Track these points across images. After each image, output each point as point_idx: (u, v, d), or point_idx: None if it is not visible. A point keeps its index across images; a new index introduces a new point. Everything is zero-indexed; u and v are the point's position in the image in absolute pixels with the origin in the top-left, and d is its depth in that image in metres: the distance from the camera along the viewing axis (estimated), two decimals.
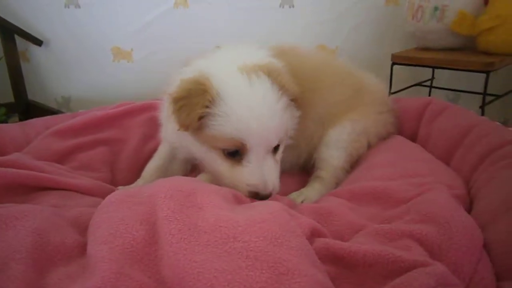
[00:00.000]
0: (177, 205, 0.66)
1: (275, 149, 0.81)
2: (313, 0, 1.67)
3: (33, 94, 1.71)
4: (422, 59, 1.37)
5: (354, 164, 0.99)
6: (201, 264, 0.55)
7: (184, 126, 0.78)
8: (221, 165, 0.80)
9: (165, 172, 1.01)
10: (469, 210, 0.76)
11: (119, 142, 1.20)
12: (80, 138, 1.18)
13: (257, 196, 0.77)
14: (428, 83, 1.64)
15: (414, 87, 1.62)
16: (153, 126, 1.28)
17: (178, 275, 0.55)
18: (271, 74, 0.80)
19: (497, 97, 1.37)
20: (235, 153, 0.78)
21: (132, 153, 1.16)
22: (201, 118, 0.77)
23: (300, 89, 0.85)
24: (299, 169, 1.05)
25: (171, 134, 0.93)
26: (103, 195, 0.80)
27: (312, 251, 0.61)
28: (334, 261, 0.63)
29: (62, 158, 1.10)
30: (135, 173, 1.08)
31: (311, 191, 0.94)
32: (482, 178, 0.81)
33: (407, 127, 1.19)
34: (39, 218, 0.68)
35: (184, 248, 0.58)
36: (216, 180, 0.83)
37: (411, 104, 1.21)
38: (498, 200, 0.71)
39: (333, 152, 0.96)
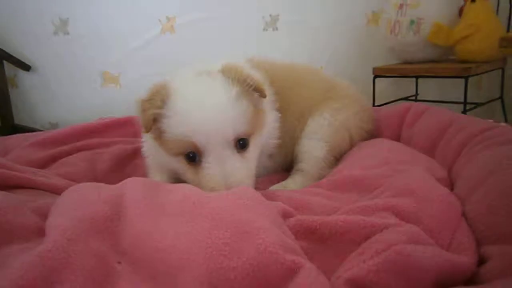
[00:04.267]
0: (146, 188, 0.65)
1: (242, 145, 0.75)
2: (296, 23, 1.73)
3: (20, 120, 1.72)
4: (402, 70, 1.40)
5: (337, 159, 0.97)
6: (165, 229, 0.53)
7: (145, 127, 0.76)
8: (187, 172, 0.77)
9: None
10: None
11: (101, 145, 1.18)
12: (61, 147, 1.17)
13: None
14: (412, 98, 1.66)
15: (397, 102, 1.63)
16: (136, 137, 1.28)
17: (139, 243, 0.53)
18: (225, 70, 0.77)
19: (477, 104, 1.38)
20: (194, 157, 0.74)
21: (115, 153, 1.13)
22: (157, 120, 0.75)
23: (277, 88, 0.85)
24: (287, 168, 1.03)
25: (148, 148, 0.91)
26: None
27: (281, 220, 0.58)
28: (307, 235, 0.61)
29: (41, 166, 1.08)
30: (118, 174, 1.05)
31: (291, 183, 0.91)
32: (461, 162, 0.80)
33: (388, 133, 1.18)
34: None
35: (148, 218, 0.56)
36: None
37: (392, 111, 1.22)
38: (475, 177, 0.69)
39: (314, 143, 0.94)
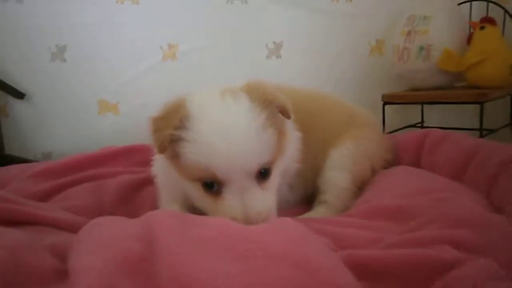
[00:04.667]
0: (177, 221, 0.58)
1: (264, 175, 0.70)
2: (299, 51, 1.72)
3: (10, 150, 1.63)
4: (414, 96, 1.38)
5: (360, 189, 0.92)
6: (211, 270, 0.46)
7: (159, 148, 0.70)
8: (204, 200, 0.71)
9: None
10: None
11: (106, 176, 1.11)
12: (62, 179, 1.09)
13: None
14: (419, 125, 1.65)
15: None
16: (142, 167, 1.21)
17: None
18: (250, 90, 0.71)
19: (491, 131, 1.36)
20: (213, 185, 0.69)
21: (122, 184, 1.05)
22: (174, 141, 0.69)
23: (297, 115, 0.78)
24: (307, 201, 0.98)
25: (159, 168, 0.85)
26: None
27: (335, 255, 0.52)
28: (359, 271, 0.54)
29: (43, 199, 1.00)
30: (127, 206, 0.97)
31: (315, 215, 0.86)
32: (504, 186, 0.76)
33: (407, 160, 1.14)
34: (12, 239, 0.58)
35: (188, 257, 0.49)
36: None
37: (408, 137, 1.19)
38: None
39: (337, 173, 0.89)
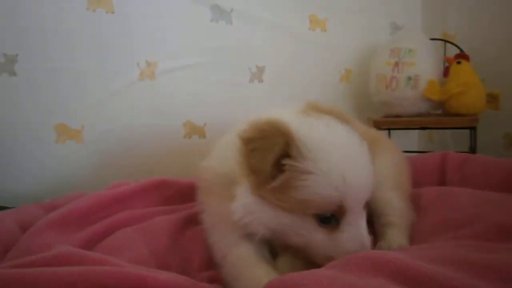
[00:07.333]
0: None
1: None
2: (279, 77, 1.69)
3: None
4: (407, 122, 1.49)
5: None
6: None
7: (256, 171, 0.64)
8: (315, 235, 0.65)
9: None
10: None
11: (140, 218, 0.90)
12: (89, 227, 0.85)
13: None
14: None
15: None
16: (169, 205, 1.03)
17: None
18: (340, 117, 0.71)
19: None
20: (331, 218, 0.64)
21: (165, 228, 0.89)
22: (278, 166, 0.63)
23: None
24: None
25: (242, 200, 0.71)
26: None
27: None
28: None
29: None
30: (177, 252, 0.82)
31: (396, 236, 0.81)
32: None
33: (426, 181, 1.19)
34: None
35: None
36: (302, 253, 0.68)
37: (427, 159, 1.25)
38: None
39: (389, 193, 0.87)
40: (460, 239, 0.74)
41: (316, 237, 0.65)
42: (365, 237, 0.65)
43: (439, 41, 1.69)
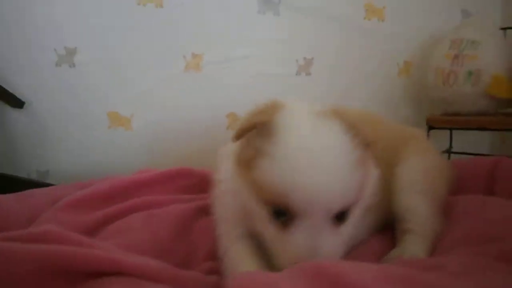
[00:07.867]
0: None
1: (340, 217, 0.62)
2: (328, 70, 1.63)
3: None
4: (464, 121, 1.34)
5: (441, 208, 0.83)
6: None
7: (238, 133, 0.64)
8: (268, 228, 0.63)
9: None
10: None
11: (154, 204, 0.94)
12: (105, 209, 0.90)
13: None
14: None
15: None
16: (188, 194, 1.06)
17: None
18: (346, 122, 0.64)
19: None
20: (284, 214, 0.60)
21: (176, 216, 0.91)
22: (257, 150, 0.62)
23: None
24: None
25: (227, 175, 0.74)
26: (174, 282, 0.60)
27: None
28: None
29: (87, 236, 0.81)
30: (185, 239, 0.85)
31: (413, 245, 0.75)
32: None
33: (472, 189, 1.07)
34: None
35: None
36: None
37: (473, 164, 1.13)
38: None
39: (413, 199, 0.80)
40: (478, 255, 0.67)
41: (267, 230, 0.63)
42: (317, 251, 0.59)
43: None
